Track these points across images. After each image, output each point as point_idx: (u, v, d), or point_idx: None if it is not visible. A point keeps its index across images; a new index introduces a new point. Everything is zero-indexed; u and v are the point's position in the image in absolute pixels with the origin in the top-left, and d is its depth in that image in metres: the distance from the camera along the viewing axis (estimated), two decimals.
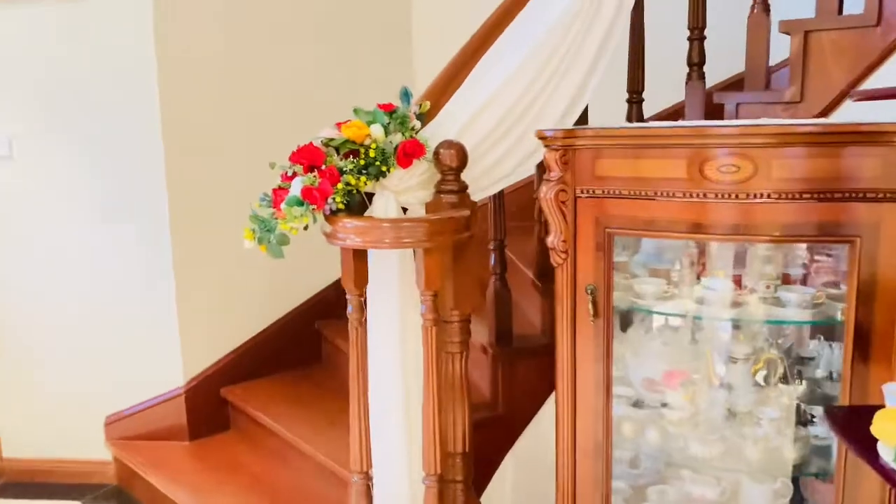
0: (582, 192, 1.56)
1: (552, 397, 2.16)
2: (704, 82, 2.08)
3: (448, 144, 1.70)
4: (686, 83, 2.10)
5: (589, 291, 1.58)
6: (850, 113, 1.86)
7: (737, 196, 1.41)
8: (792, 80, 1.93)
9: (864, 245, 1.40)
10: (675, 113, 2.54)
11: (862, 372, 1.44)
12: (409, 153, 1.68)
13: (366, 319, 1.67)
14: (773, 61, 2.02)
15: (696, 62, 2.08)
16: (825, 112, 1.90)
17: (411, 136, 1.71)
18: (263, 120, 2.77)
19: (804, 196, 1.39)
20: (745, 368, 1.70)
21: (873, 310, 1.41)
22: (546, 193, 1.57)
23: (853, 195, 1.38)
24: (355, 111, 1.75)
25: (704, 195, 1.43)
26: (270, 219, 1.63)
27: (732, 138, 1.40)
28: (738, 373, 1.70)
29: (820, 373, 1.67)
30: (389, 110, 1.74)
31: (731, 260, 1.58)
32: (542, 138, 1.58)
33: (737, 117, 2.03)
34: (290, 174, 1.64)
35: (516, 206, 2.55)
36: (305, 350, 3.00)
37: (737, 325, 1.65)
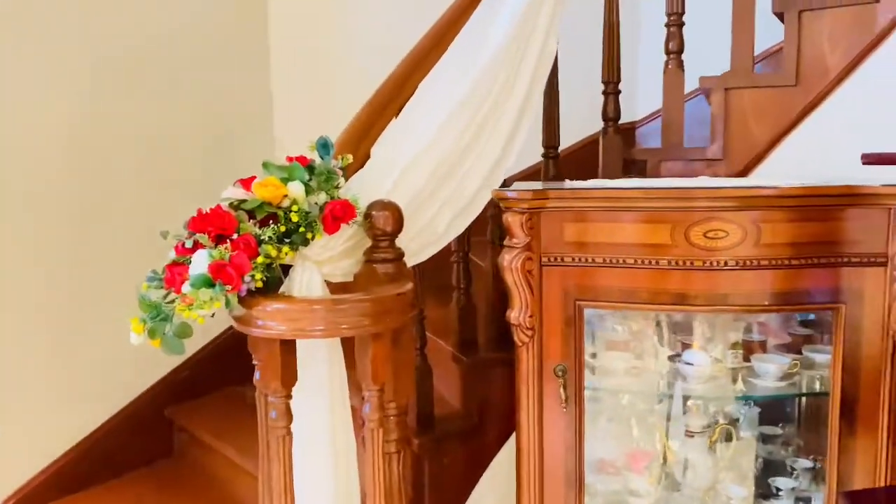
0: (549, 261, 1.37)
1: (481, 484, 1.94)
2: (620, 137, 2.00)
3: (382, 205, 1.43)
4: (602, 136, 2.01)
5: (560, 373, 1.37)
6: (771, 170, 1.86)
7: (725, 263, 1.29)
8: (713, 137, 1.90)
9: (848, 311, 1.33)
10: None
11: (849, 443, 1.36)
12: (337, 216, 1.39)
13: (289, 427, 1.33)
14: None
15: (612, 117, 1.99)
16: (746, 170, 1.88)
17: (336, 196, 1.43)
18: (98, 176, 2.29)
19: (793, 262, 1.30)
20: (704, 441, 1.58)
21: (859, 379, 1.34)
22: (511, 263, 1.35)
23: (840, 260, 1.31)
24: (265, 165, 1.43)
25: (692, 263, 1.29)
26: (164, 304, 1.26)
27: (723, 201, 1.27)
28: (697, 447, 1.58)
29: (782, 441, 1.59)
30: (305, 164, 1.45)
31: (705, 330, 1.46)
32: (502, 199, 1.37)
33: (658, 175, 1.96)
34: (188, 245, 1.29)
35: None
36: (153, 444, 2.51)
37: (700, 398, 1.52)
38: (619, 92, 1.99)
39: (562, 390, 1.37)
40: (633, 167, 2.02)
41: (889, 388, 1.33)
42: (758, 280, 1.30)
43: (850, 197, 1.29)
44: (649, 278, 1.32)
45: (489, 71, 1.64)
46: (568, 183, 1.58)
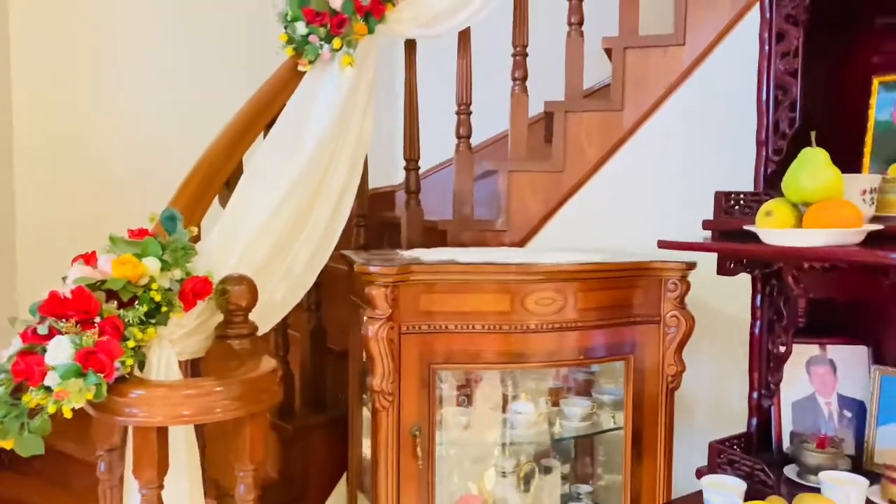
0: (407, 329, 1.49)
1: None
2: (422, 210, 2.20)
3: (237, 279, 1.44)
4: (406, 208, 2.19)
5: (415, 433, 1.49)
6: (544, 241, 2.20)
7: (552, 326, 1.54)
8: (500, 211, 2.20)
9: (636, 361, 1.66)
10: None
11: (637, 469, 1.68)
12: (198, 292, 1.36)
13: None
14: None
15: (413, 189, 2.19)
16: (525, 240, 2.20)
17: (192, 271, 1.39)
18: None
19: (600, 323, 1.59)
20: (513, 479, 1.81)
21: (643, 415, 1.68)
22: (376, 333, 1.45)
23: (630, 320, 1.64)
24: (112, 240, 1.35)
25: (528, 327, 1.52)
26: (12, 400, 1.12)
27: (553, 275, 1.52)
28: (509, 485, 1.80)
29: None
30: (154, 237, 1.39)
31: (530, 383, 1.69)
32: (366, 274, 1.46)
33: (458, 244, 2.19)
34: (42, 332, 1.16)
35: None
36: None
37: (522, 443, 1.74)
38: (419, 168, 2.21)
39: (419, 449, 1.49)
40: (433, 232, 2.22)
41: (665, 422, 1.69)
42: (576, 338, 1.57)
43: (639, 270, 1.63)
44: (493, 341, 1.52)
45: (316, 157, 1.74)
46: (423, 257, 1.71)
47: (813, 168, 1.20)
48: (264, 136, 1.85)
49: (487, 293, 1.51)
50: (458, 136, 2.22)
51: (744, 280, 1.65)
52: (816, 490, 1.41)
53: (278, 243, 1.64)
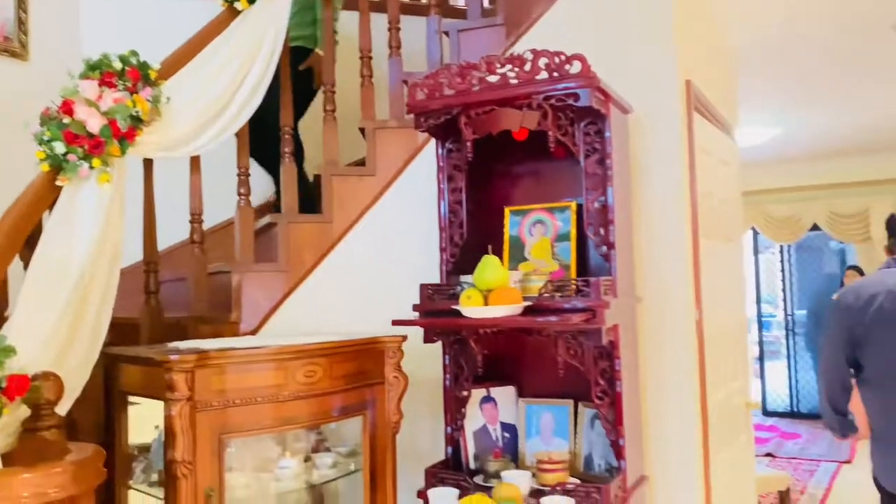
0: (202, 406, 1.80)
1: None
2: (161, 308, 2.45)
3: (45, 375, 1.61)
4: (145, 306, 2.41)
5: (210, 494, 1.79)
6: (274, 328, 2.61)
7: (314, 393, 1.99)
8: (234, 306, 2.56)
9: (370, 415, 2.18)
10: None
11: (375, 501, 2.18)
12: (20, 387, 1.51)
13: None
14: None
15: (153, 290, 2.43)
16: (257, 329, 2.59)
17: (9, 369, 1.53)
18: None
19: (346, 387, 2.09)
20: None
21: (376, 459, 2.19)
22: (178, 412, 1.73)
23: (365, 383, 2.16)
24: None
25: (299, 395, 1.95)
26: None
27: (315, 353, 1.98)
28: None
29: None
30: None
31: (291, 442, 2.08)
32: (166, 362, 1.75)
33: (198, 336, 2.46)
34: None
35: None
36: None
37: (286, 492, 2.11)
38: (158, 271, 2.47)
39: None
40: (175, 328, 2.47)
41: (391, 459, 2.22)
42: (331, 400, 2.04)
43: (370, 343, 2.18)
44: (270, 409, 1.90)
45: (82, 273, 1.96)
46: (203, 346, 1.99)
47: (493, 267, 1.92)
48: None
49: (267, 371, 1.90)
50: (192, 242, 2.55)
51: (429, 348, 2.29)
52: None
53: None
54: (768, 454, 6.36)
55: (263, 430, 1.94)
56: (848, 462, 5.94)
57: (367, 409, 2.17)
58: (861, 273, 6.63)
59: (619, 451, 2.07)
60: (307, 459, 2.16)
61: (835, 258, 8.52)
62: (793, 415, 8.04)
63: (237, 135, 2.56)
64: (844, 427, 2.68)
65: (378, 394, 2.20)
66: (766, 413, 8.27)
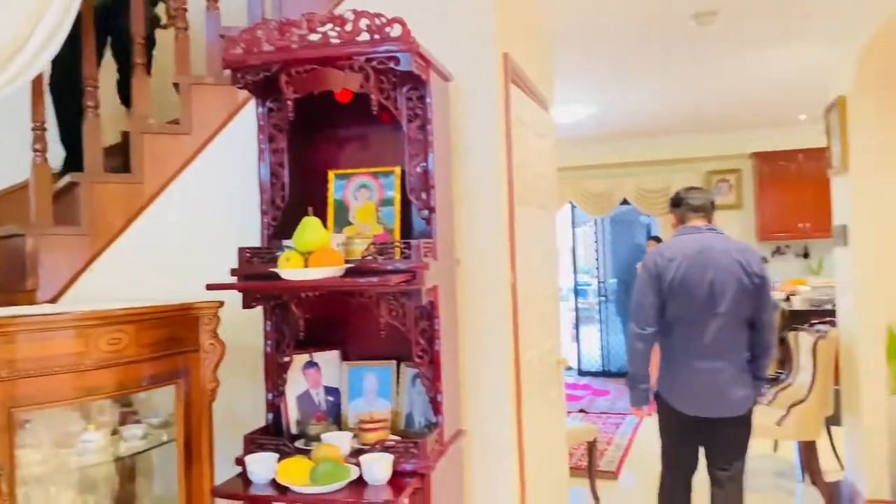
0: None
1: None
2: None
3: None
4: None
5: None
6: (79, 294, 2.42)
7: (120, 361, 1.87)
8: (30, 273, 2.33)
9: (186, 384, 2.09)
10: None
11: (190, 471, 2.10)
12: None
13: None
14: None
15: None
16: (57, 297, 2.38)
17: None
18: None
19: (155, 355, 1.98)
20: None
21: (191, 427, 2.11)
22: None
23: (179, 351, 2.07)
24: None
25: (102, 364, 1.82)
26: None
27: (120, 319, 1.86)
28: None
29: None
30: None
31: (97, 414, 1.95)
32: None
33: None
34: None
35: None
36: None
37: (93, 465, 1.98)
38: None
39: (3, 486, 1.64)
40: None
41: (207, 428, 2.15)
42: (139, 369, 1.93)
43: (183, 310, 2.08)
44: (71, 380, 1.77)
45: None
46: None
47: (313, 229, 1.90)
48: None
49: (67, 339, 1.76)
50: None
51: (250, 315, 2.23)
52: None
53: None
54: (581, 410, 6.88)
55: (62, 402, 1.80)
56: (649, 415, 6.56)
57: (180, 378, 2.09)
58: (660, 241, 7.30)
59: (437, 408, 2.15)
60: (115, 432, 2.04)
61: (643, 231, 9.30)
62: (604, 374, 8.74)
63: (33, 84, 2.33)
64: (638, 396, 3.25)
65: (193, 362, 2.12)
66: (581, 373, 8.93)
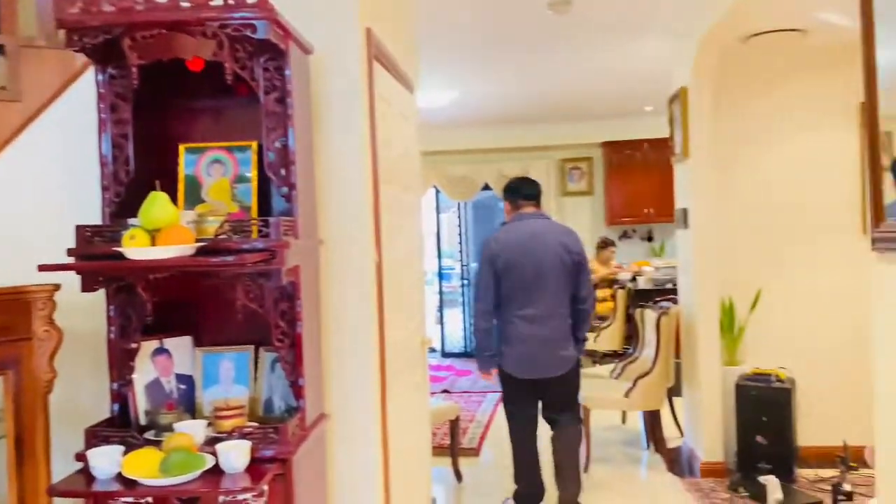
0: None
1: None
2: None
3: None
4: None
5: None
6: None
7: None
8: None
9: (15, 375, 1.90)
10: None
11: (22, 469, 1.92)
12: None
13: None
14: None
15: None
16: None
17: None
18: None
19: None
20: None
21: (24, 420, 1.92)
22: None
23: (8, 339, 1.87)
24: None
25: None
26: None
27: None
28: None
29: None
30: None
31: None
32: None
33: None
34: None
35: None
36: None
37: None
38: None
39: None
40: None
41: (43, 422, 1.97)
42: None
43: (9, 294, 1.88)
44: None
45: None
46: None
47: (160, 205, 1.76)
48: None
49: None
50: None
51: (92, 298, 2.06)
52: None
53: None
54: (445, 391, 6.99)
55: None
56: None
57: (9, 369, 1.89)
58: None
59: (298, 392, 2.08)
60: None
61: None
62: (467, 355, 8.93)
63: None
64: (485, 362, 3.79)
65: (24, 350, 1.93)
66: (445, 355, 9.08)
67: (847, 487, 3.74)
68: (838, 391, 4.31)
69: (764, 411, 4.13)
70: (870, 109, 1.88)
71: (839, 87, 4.28)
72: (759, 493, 3.80)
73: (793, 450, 4.14)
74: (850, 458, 3.78)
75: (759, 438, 4.13)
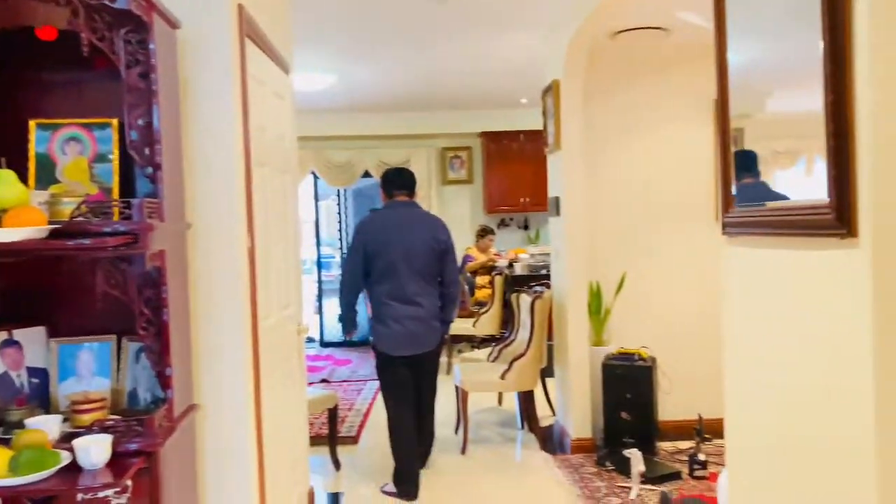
0: None
1: None
2: None
3: None
4: None
5: None
6: None
7: None
8: None
9: None
10: None
11: None
12: None
13: None
14: None
15: None
16: None
17: None
18: None
19: None
20: None
21: None
22: None
23: None
24: None
25: None
26: None
27: None
28: None
29: None
30: None
31: None
32: None
33: None
34: None
35: None
36: None
37: None
38: None
39: None
40: None
41: None
42: None
43: None
44: None
45: None
46: None
47: (8, 184, 1.63)
48: None
49: None
50: None
51: None
52: None
53: None
54: (324, 380, 6.91)
55: None
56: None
57: None
58: None
59: (165, 382, 1.99)
60: None
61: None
62: (346, 344, 8.86)
63: None
64: (350, 324, 4.14)
65: None
66: (323, 344, 8.97)
67: (702, 457, 4.04)
68: (694, 368, 4.62)
69: (628, 389, 4.37)
70: (721, 106, 2.01)
71: (698, 84, 4.56)
72: (624, 466, 4.03)
73: (654, 424, 4.41)
74: (705, 430, 4.07)
75: (623, 415, 4.36)
